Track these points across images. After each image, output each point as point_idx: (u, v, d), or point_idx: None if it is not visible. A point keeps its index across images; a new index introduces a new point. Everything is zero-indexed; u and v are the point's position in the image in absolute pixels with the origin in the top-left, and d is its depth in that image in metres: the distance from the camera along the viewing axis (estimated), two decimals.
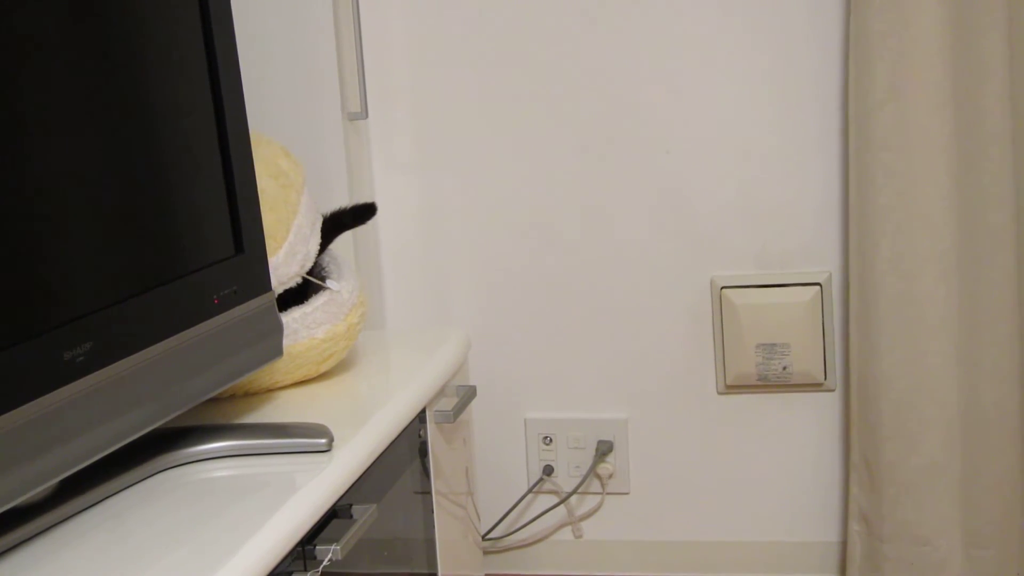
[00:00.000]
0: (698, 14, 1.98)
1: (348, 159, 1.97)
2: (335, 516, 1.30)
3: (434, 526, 1.64)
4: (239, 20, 1.91)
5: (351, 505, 1.33)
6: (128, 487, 1.26)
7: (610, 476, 2.14)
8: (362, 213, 1.75)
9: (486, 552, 2.20)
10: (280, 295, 1.55)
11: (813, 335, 2.01)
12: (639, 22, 2.00)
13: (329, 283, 1.63)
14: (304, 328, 1.58)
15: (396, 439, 1.47)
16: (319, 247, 1.64)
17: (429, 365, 1.67)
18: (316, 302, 1.59)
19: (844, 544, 2.07)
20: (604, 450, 2.13)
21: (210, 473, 1.29)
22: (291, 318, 1.56)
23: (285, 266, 1.57)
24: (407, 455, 1.54)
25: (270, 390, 1.60)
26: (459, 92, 2.07)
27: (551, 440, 2.15)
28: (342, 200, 1.95)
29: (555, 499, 2.18)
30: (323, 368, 1.61)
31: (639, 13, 2.00)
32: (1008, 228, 1.87)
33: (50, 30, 1.10)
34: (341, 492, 1.28)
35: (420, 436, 1.60)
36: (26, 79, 1.07)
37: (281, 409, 1.51)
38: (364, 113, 2.01)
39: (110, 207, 1.17)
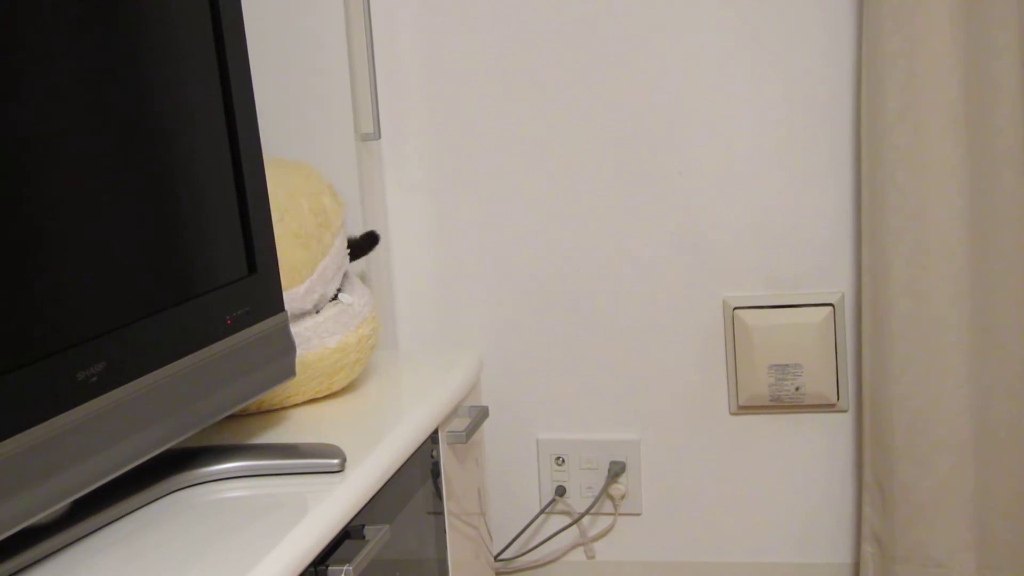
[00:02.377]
0: (709, 36, 1.98)
1: (361, 180, 1.98)
2: (347, 537, 1.30)
3: (446, 547, 1.63)
4: (251, 41, 1.92)
5: (363, 526, 1.33)
6: (141, 507, 1.26)
7: (622, 497, 2.14)
8: (370, 240, 1.78)
9: (498, 573, 2.20)
10: None
11: (826, 356, 2.01)
12: (652, 45, 2.00)
13: (341, 296, 1.64)
14: (316, 337, 1.59)
15: (408, 459, 1.47)
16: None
17: (441, 385, 1.67)
18: (328, 312, 1.61)
19: (857, 566, 2.06)
20: (616, 471, 2.12)
21: (222, 493, 1.29)
22: (303, 327, 1.57)
23: (300, 301, 1.58)
24: (419, 476, 1.54)
25: (283, 407, 1.60)
26: (472, 113, 2.08)
27: (563, 461, 2.15)
28: (355, 220, 1.96)
29: (567, 520, 2.17)
30: (335, 383, 1.61)
31: (651, 36, 2.00)
32: (1021, 249, 1.87)
33: (67, 56, 1.10)
34: (353, 513, 1.28)
35: (432, 456, 1.60)
36: (41, 101, 1.07)
37: (293, 429, 1.51)
38: (377, 134, 2.02)
39: (123, 228, 1.17)
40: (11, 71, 1.04)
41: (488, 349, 2.13)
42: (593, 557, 2.18)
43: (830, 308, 2.01)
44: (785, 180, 2.00)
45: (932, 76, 1.84)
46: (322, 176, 1.71)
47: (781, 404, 2.04)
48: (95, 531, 1.20)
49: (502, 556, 2.18)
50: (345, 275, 1.70)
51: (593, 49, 2.02)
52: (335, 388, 1.63)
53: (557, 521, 2.18)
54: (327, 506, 1.24)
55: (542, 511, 2.17)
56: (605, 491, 2.13)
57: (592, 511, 2.15)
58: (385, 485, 1.39)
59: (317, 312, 1.61)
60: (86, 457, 1.10)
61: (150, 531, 1.20)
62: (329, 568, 1.23)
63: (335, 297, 1.65)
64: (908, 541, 1.95)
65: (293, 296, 1.57)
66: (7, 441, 1.00)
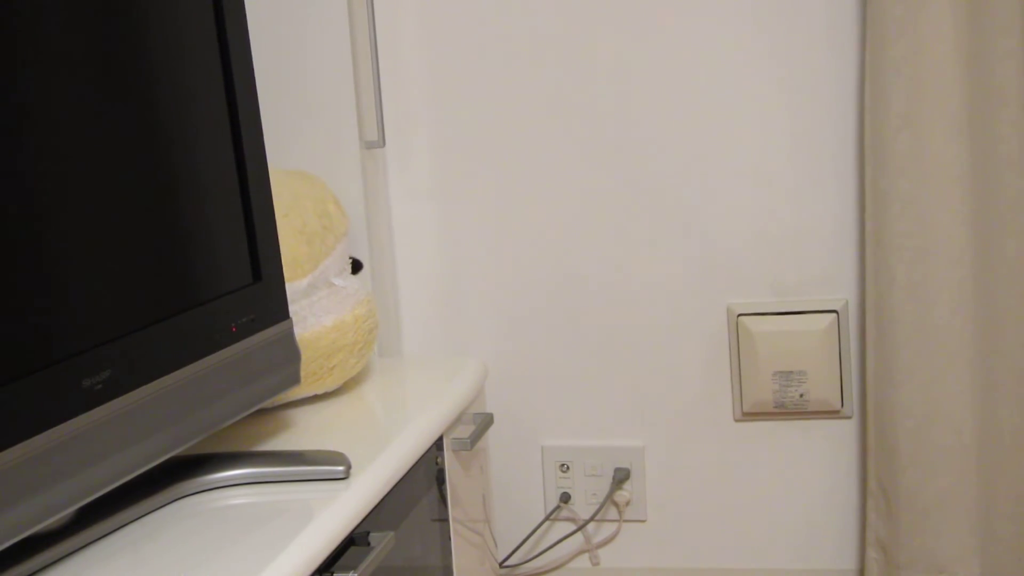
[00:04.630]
0: (713, 43, 1.99)
1: (365, 187, 1.98)
2: (352, 544, 1.30)
3: (451, 553, 1.63)
4: (256, 49, 1.93)
5: (368, 533, 1.33)
6: (146, 515, 1.26)
7: (627, 503, 2.14)
8: (353, 266, 1.79)
9: None
10: None
11: (830, 362, 2.01)
12: (656, 53, 2.01)
13: (334, 280, 1.65)
14: (312, 316, 1.60)
15: (413, 466, 1.47)
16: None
17: (446, 392, 1.67)
18: (321, 292, 1.61)
19: (861, 572, 2.06)
20: (621, 477, 2.12)
21: (227, 501, 1.29)
22: (298, 306, 1.58)
23: (301, 295, 1.59)
24: (424, 482, 1.54)
25: (286, 400, 1.61)
26: (476, 121, 2.08)
27: (568, 467, 2.15)
28: (359, 228, 1.96)
29: (572, 526, 2.17)
30: (334, 371, 1.62)
31: (655, 44, 2.00)
32: None
33: (72, 67, 1.11)
34: (358, 520, 1.28)
35: (437, 463, 1.60)
36: (48, 110, 1.07)
37: (298, 435, 1.51)
38: (381, 141, 2.02)
39: (129, 235, 1.17)
40: (17, 83, 1.04)
41: (493, 356, 2.13)
42: (598, 564, 2.18)
43: (834, 315, 2.01)
44: (789, 187, 2.00)
45: (935, 82, 1.84)
46: (328, 188, 1.72)
47: (785, 411, 2.04)
48: (100, 538, 1.20)
49: (507, 563, 2.18)
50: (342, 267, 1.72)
51: (598, 58, 2.02)
52: (335, 376, 1.63)
53: (562, 528, 2.18)
54: (332, 513, 1.24)
55: (547, 518, 2.17)
56: (610, 498, 2.13)
57: (597, 518, 2.15)
58: (390, 492, 1.39)
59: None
60: (91, 464, 1.10)
61: (155, 538, 1.20)
62: (334, 575, 1.23)
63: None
64: (912, 547, 1.95)
65: (295, 289, 1.57)
66: (13, 448, 1.00)
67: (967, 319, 1.88)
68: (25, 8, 1.05)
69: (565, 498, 2.16)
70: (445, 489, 1.62)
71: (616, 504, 2.14)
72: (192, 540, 1.18)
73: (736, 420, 2.08)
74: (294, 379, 1.43)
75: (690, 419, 2.10)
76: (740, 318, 2.03)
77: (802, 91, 1.98)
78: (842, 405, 2.03)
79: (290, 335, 1.42)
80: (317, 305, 1.61)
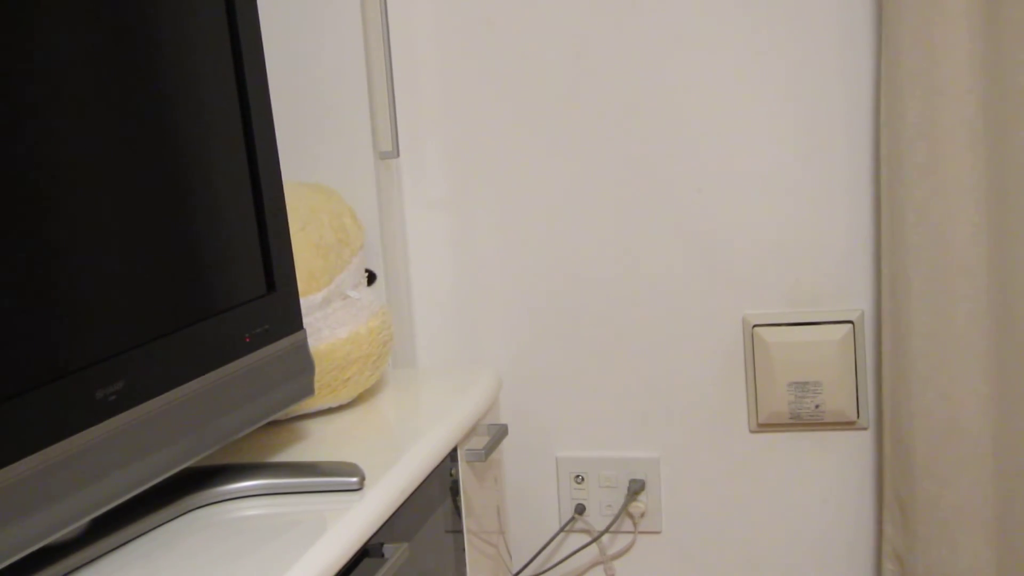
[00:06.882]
0: (727, 53, 1.98)
1: (379, 198, 1.98)
2: (366, 555, 1.29)
3: (465, 565, 1.63)
4: (270, 60, 1.93)
5: (382, 544, 1.33)
6: (159, 526, 1.26)
7: (642, 515, 2.13)
8: (367, 278, 1.80)
9: None
10: None
11: (846, 373, 2.00)
12: (670, 63, 2.00)
13: (349, 292, 1.65)
14: (327, 327, 1.60)
15: (427, 478, 1.47)
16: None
17: (460, 403, 1.67)
18: (336, 303, 1.62)
19: None
20: (636, 489, 2.12)
21: (241, 512, 1.29)
22: (313, 318, 1.58)
23: (316, 305, 1.59)
24: (438, 494, 1.54)
25: (300, 411, 1.61)
26: (490, 131, 2.08)
27: (583, 479, 2.14)
28: (373, 238, 1.96)
29: (587, 538, 2.17)
30: (348, 384, 1.61)
31: (670, 54, 2.00)
32: None
33: (90, 77, 1.11)
34: (372, 531, 1.28)
35: (451, 475, 1.59)
36: (63, 119, 1.07)
37: (311, 446, 1.51)
38: (395, 152, 2.02)
39: (143, 246, 1.17)
40: (34, 96, 1.04)
41: (507, 367, 2.13)
42: (613, 575, 2.17)
43: (850, 325, 2.00)
44: (804, 197, 2.00)
45: (951, 92, 1.83)
46: (343, 200, 1.72)
47: (801, 422, 2.03)
48: (114, 549, 1.20)
49: (521, 574, 2.17)
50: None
51: (612, 67, 2.02)
52: (349, 388, 1.62)
53: (576, 539, 2.18)
54: (346, 524, 1.24)
55: (561, 529, 2.17)
56: (625, 509, 2.13)
57: (612, 529, 2.15)
58: (404, 503, 1.39)
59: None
60: (105, 476, 1.10)
61: (169, 550, 1.20)
62: None
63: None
64: (929, 559, 1.94)
65: (310, 303, 1.58)
66: (26, 459, 1.00)
67: (984, 329, 1.88)
68: (39, 24, 1.06)
69: (580, 509, 2.15)
70: (459, 500, 1.62)
71: (631, 515, 2.14)
72: (206, 551, 1.18)
73: (751, 431, 2.08)
74: (308, 390, 1.43)
75: (705, 430, 2.09)
76: (755, 328, 2.03)
77: (817, 101, 1.97)
78: (858, 416, 2.02)
79: (304, 346, 1.42)
80: (331, 317, 1.61)
